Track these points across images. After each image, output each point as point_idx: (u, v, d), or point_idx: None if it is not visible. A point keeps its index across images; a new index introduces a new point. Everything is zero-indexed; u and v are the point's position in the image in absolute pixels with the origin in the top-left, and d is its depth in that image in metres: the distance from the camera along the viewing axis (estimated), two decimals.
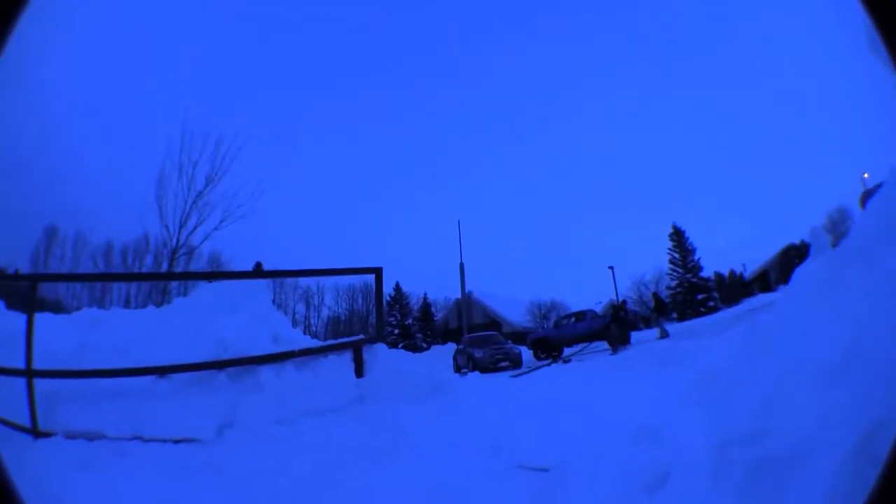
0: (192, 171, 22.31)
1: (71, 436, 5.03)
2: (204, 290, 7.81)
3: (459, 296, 37.84)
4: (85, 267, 43.63)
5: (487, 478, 3.87)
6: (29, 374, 5.33)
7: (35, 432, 5.14)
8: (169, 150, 22.55)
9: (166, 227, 22.22)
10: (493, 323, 47.30)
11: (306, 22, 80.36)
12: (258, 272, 6.48)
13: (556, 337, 26.67)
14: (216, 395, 5.54)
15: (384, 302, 6.78)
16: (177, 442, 5.04)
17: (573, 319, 27.63)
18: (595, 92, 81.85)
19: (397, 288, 56.40)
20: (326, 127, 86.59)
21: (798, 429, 1.95)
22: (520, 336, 34.77)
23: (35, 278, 5.85)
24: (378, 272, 6.64)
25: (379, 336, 6.67)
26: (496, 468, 4.04)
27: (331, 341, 6.49)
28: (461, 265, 34.27)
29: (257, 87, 75.34)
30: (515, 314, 50.78)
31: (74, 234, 43.43)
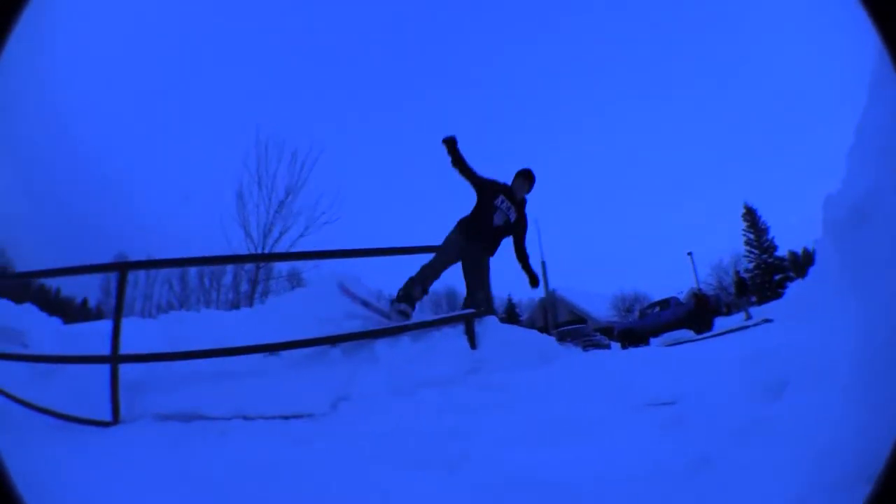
0: (272, 183, 22.79)
1: (160, 419, 4.84)
2: (295, 292, 7.78)
3: (543, 294, 37.80)
4: (159, 291, 44.83)
5: (616, 413, 3.89)
6: (114, 359, 5.15)
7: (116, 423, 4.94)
8: (246, 165, 23.03)
9: (250, 237, 22.49)
10: (579, 319, 46.89)
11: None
12: (364, 251, 6.38)
13: (641, 327, 26.96)
14: (329, 370, 5.44)
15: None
16: (286, 418, 4.82)
17: (657, 308, 27.77)
18: (661, 78, 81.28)
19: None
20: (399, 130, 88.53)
21: None
22: (606, 330, 34.47)
23: (124, 266, 5.78)
24: None
25: (489, 309, 6.62)
26: (623, 407, 4.03)
27: (443, 315, 6.49)
28: (542, 264, 34.20)
29: (326, 96, 76.72)
30: (600, 309, 50.64)
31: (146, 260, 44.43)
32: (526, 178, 7.00)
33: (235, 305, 28.46)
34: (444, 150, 6.82)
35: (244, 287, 27.58)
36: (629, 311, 47.28)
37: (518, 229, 7.03)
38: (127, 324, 5.82)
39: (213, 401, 4.94)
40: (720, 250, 64.56)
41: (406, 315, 6.46)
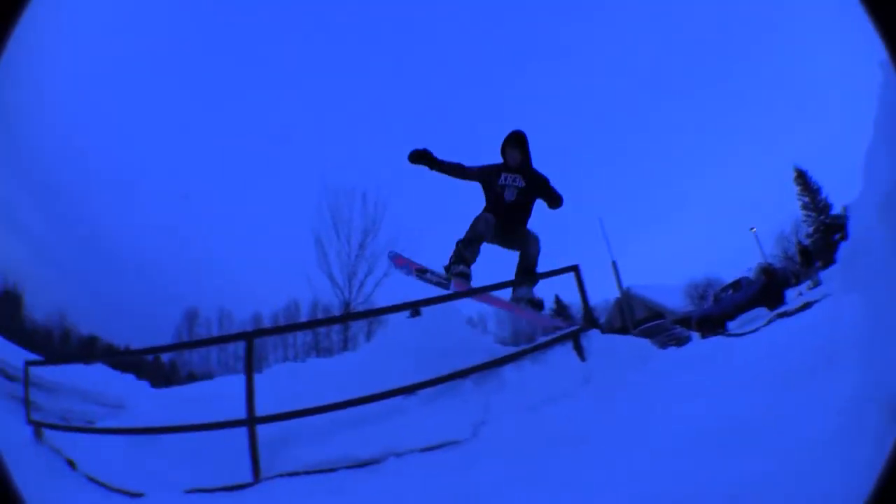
0: (349, 227, 23.58)
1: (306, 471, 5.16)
2: (381, 335, 8.28)
3: (618, 294, 37.24)
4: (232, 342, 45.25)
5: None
6: (251, 421, 5.51)
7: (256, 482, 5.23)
8: (318, 211, 23.91)
9: (336, 283, 23.33)
10: (656, 314, 46.01)
11: None
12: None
13: (717, 312, 26.44)
14: (464, 400, 5.86)
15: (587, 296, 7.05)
16: (432, 449, 5.15)
17: (730, 291, 27.61)
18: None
19: (557, 300, 55.82)
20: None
21: None
22: (684, 321, 33.70)
23: (251, 335, 6.12)
24: (576, 269, 7.00)
25: (590, 323, 7.09)
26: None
27: (555, 333, 6.83)
28: (613, 263, 33.64)
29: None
30: (674, 300, 49.37)
31: (218, 312, 45.56)
32: (513, 142, 6.80)
33: (315, 347, 29.17)
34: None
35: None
36: (703, 297, 46.11)
37: (535, 190, 6.90)
38: (232, 380, 6.24)
39: (360, 443, 5.30)
40: (780, 220, 62.26)
41: (465, 276, 6.51)
